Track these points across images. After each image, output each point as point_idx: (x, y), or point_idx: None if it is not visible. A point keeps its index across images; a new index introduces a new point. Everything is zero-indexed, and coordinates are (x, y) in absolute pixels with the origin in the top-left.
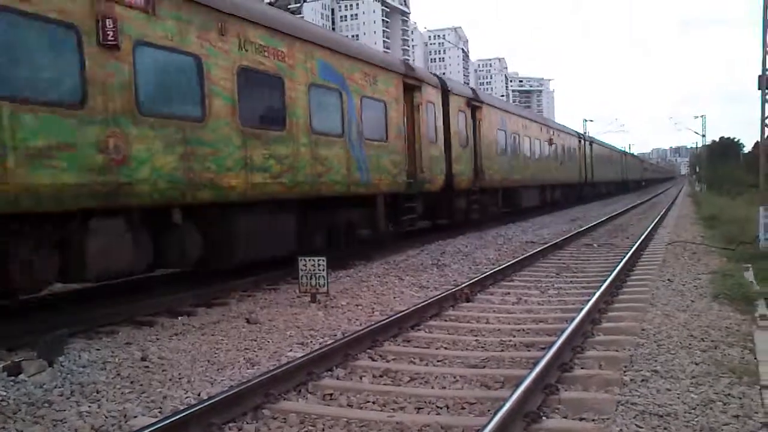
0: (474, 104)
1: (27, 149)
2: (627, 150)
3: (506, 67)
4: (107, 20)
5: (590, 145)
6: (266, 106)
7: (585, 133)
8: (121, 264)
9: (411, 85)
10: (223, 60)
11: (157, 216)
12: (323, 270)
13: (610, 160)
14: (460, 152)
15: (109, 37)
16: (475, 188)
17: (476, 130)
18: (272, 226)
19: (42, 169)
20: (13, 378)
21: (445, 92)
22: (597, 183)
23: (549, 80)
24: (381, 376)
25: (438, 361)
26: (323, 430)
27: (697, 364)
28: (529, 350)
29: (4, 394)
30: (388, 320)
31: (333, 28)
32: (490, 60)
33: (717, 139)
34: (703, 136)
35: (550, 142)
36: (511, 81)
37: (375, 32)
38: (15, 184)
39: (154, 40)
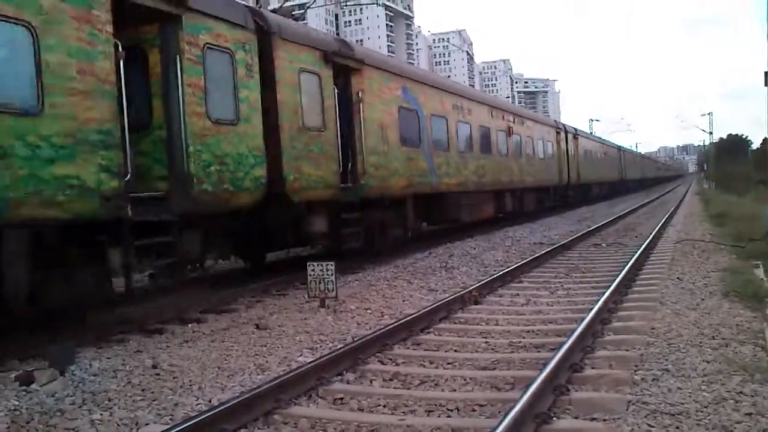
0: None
1: None
2: (631, 147)
3: (511, 69)
4: None
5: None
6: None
7: (592, 132)
8: None
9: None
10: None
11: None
12: (332, 275)
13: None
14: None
15: None
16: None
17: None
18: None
19: None
20: (25, 388)
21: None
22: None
23: (554, 81)
24: (391, 380)
25: (448, 363)
26: None
27: (708, 362)
28: (538, 351)
29: (17, 403)
30: (397, 324)
31: (337, 34)
32: (494, 62)
33: (725, 137)
34: (711, 133)
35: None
36: (516, 82)
37: (379, 37)
38: None
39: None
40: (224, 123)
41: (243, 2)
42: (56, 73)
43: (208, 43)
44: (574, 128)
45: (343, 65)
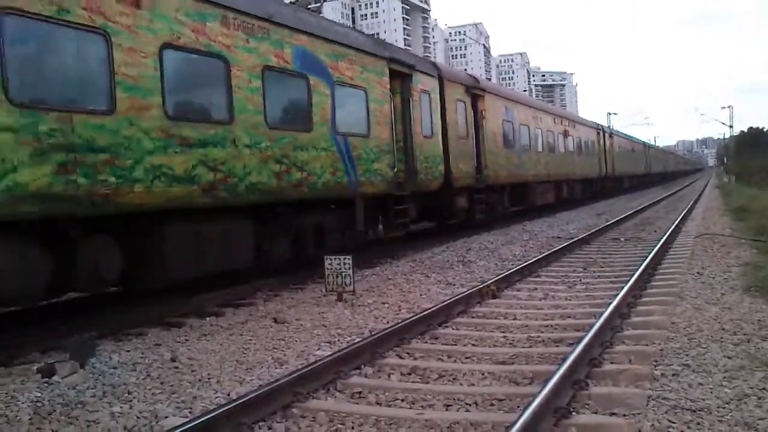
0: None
1: None
2: (652, 142)
3: (528, 62)
4: None
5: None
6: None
7: (609, 125)
8: None
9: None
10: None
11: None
12: (349, 269)
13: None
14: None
15: None
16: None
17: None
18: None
19: None
20: (47, 380)
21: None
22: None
23: (572, 74)
24: (409, 374)
25: (466, 358)
26: (352, 428)
27: (729, 357)
28: (557, 346)
29: (40, 395)
30: (415, 318)
31: (353, 27)
32: (511, 55)
33: (745, 130)
34: (731, 126)
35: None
36: (533, 75)
37: (395, 30)
38: None
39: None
40: (427, 137)
41: None
42: (373, 114)
43: (422, 89)
44: (610, 128)
45: (474, 94)
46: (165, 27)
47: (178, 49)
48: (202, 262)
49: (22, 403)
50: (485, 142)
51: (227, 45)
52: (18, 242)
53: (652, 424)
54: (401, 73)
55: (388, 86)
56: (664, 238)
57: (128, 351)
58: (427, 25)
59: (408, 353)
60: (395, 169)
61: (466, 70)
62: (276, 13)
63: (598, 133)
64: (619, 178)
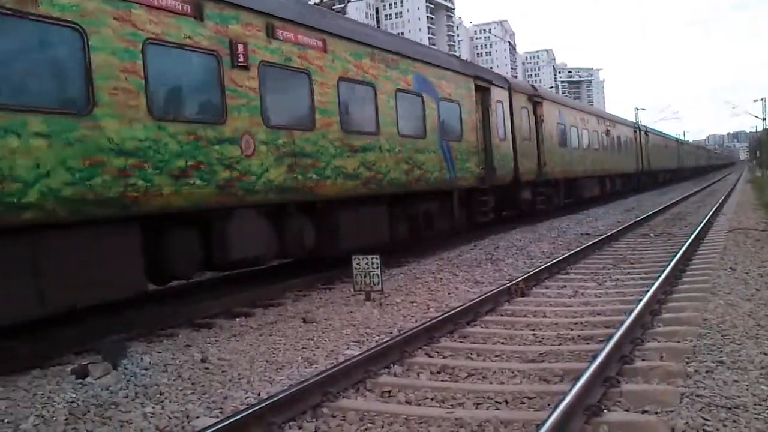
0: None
1: None
2: (681, 137)
3: (554, 59)
4: None
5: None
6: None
7: (638, 121)
8: None
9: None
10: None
11: None
12: (377, 268)
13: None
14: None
15: None
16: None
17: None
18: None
19: None
20: (81, 381)
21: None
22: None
23: (598, 70)
24: (438, 373)
25: (495, 356)
26: (382, 427)
27: (765, 354)
28: (587, 343)
29: (74, 396)
30: (443, 316)
31: (378, 27)
32: (537, 52)
33: None
34: (764, 119)
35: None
36: (559, 72)
37: (420, 29)
38: None
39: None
40: (501, 140)
41: None
42: (465, 122)
43: (497, 100)
44: (645, 126)
45: (535, 101)
46: (340, 65)
47: (347, 81)
48: (360, 238)
49: (58, 403)
50: (544, 143)
51: (375, 75)
52: (265, 218)
53: (686, 422)
54: (482, 87)
55: (474, 98)
56: (696, 233)
57: (159, 352)
58: (451, 23)
59: (437, 352)
60: (480, 167)
61: (491, 68)
62: (402, 48)
63: (635, 131)
64: (654, 172)
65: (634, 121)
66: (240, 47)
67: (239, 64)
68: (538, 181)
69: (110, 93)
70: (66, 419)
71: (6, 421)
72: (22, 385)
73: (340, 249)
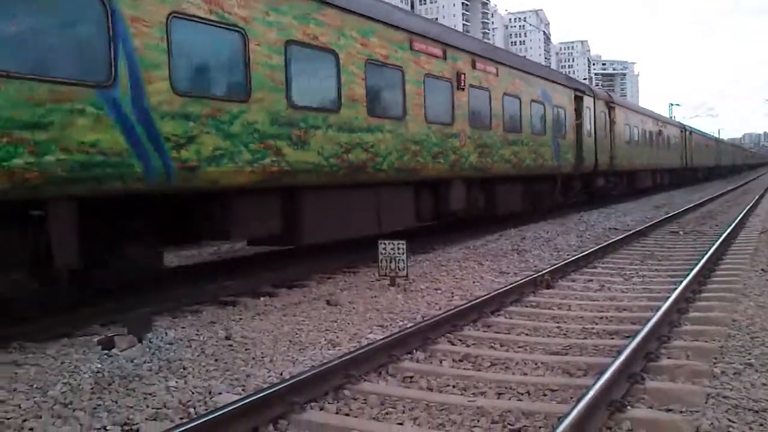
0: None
1: None
2: (716, 135)
3: (589, 50)
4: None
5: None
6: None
7: (672, 117)
8: None
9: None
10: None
11: None
12: (403, 253)
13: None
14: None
15: None
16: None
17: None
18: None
19: None
20: (106, 352)
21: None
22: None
23: (633, 63)
24: (461, 361)
25: (519, 347)
26: (403, 412)
27: None
28: (612, 338)
29: (100, 366)
30: (467, 305)
31: (412, 12)
32: (572, 42)
33: None
34: None
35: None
36: (593, 64)
37: (454, 15)
38: None
39: None
40: (588, 137)
41: None
42: (568, 123)
43: (586, 105)
44: (691, 127)
45: (609, 106)
46: (504, 84)
47: (507, 95)
48: (507, 206)
49: (84, 373)
50: (615, 140)
51: (521, 90)
52: (464, 187)
53: (711, 423)
54: (577, 96)
55: (573, 105)
56: (727, 232)
57: (183, 328)
58: (486, 11)
59: (460, 340)
60: (574, 159)
61: (525, 56)
62: (535, 70)
63: (681, 131)
64: (696, 168)
65: (681, 122)
66: (462, 76)
67: (461, 87)
68: (609, 171)
69: (415, 107)
70: (92, 388)
71: (35, 386)
72: (50, 353)
73: (498, 212)
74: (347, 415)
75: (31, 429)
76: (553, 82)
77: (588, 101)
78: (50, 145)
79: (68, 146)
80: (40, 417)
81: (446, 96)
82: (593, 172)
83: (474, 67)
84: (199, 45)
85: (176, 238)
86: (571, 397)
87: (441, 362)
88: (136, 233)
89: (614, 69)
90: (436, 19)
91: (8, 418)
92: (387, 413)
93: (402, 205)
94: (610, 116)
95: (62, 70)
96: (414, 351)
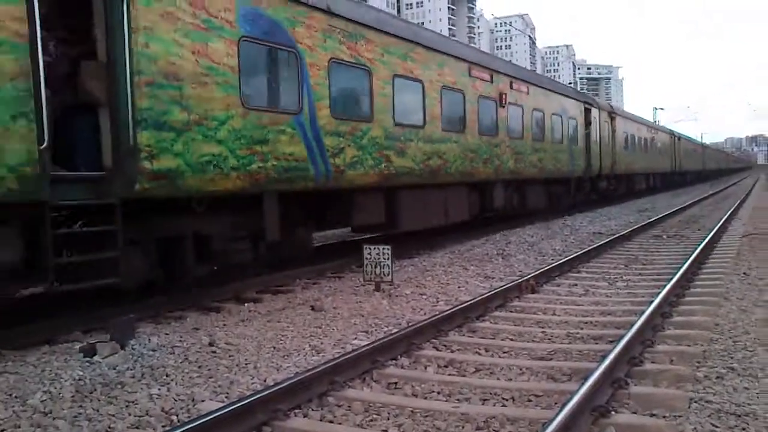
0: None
1: None
2: (699, 139)
3: (574, 54)
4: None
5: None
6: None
7: (656, 121)
8: None
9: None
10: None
11: None
12: (388, 258)
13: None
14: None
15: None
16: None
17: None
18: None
19: None
20: (88, 359)
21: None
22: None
23: (617, 67)
24: (446, 366)
25: (504, 352)
26: (388, 418)
27: None
28: (597, 343)
29: (81, 373)
30: (452, 310)
31: (399, 16)
32: (557, 47)
33: None
34: None
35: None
36: (578, 68)
37: (440, 20)
38: None
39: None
40: (594, 144)
41: None
42: (578, 132)
43: (593, 116)
44: (679, 133)
45: (611, 116)
46: (534, 101)
47: (535, 110)
48: (533, 203)
49: (65, 380)
50: (615, 147)
51: (545, 105)
52: (503, 187)
53: (694, 428)
54: (586, 108)
55: (583, 116)
56: (709, 236)
57: (167, 334)
58: (472, 15)
59: (445, 345)
60: (583, 163)
61: (510, 61)
62: (554, 87)
63: (671, 137)
64: (683, 173)
65: (671, 129)
66: (504, 96)
67: (502, 104)
68: (611, 175)
69: (471, 122)
70: (72, 396)
71: (14, 395)
72: (30, 361)
73: (527, 209)
74: (331, 422)
75: None
76: (567, 96)
77: (595, 112)
78: (268, 155)
79: (278, 155)
80: (19, 427)
81: (492, 112)
82: (598, 176)
83: (512, 87)
84: (344, 81)
85: (317, 225)
86: (556, 403)
87: (426, 368)
88: (301, 220)
89: (599, 73)
90: (422, 23)
91: None
92: (371, 420)
93: (460, 201)
94: (611, 125)
95: (276, 102)
96: (398, 357)
